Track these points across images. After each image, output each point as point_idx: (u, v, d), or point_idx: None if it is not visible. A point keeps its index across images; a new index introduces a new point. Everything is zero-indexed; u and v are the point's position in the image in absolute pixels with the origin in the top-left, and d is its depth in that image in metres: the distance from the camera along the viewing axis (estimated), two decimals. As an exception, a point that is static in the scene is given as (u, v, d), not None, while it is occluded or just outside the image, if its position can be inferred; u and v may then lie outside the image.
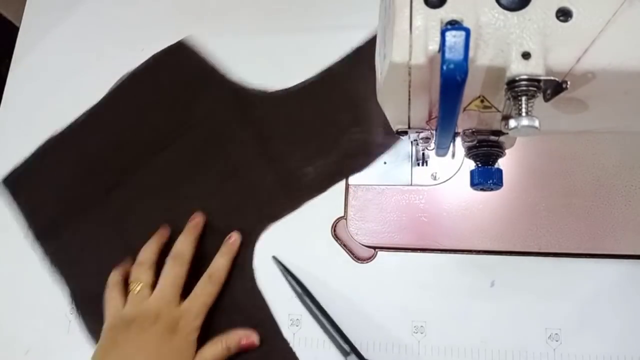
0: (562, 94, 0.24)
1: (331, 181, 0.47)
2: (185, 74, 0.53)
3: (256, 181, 0.48)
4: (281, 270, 0.45)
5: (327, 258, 0.45)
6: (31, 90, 0.57)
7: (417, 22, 0.25)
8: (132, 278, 0.44)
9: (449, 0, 0.25)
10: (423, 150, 0.45)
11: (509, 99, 0.25)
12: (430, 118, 0.30)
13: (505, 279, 0.43)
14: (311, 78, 0.50)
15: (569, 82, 0.24)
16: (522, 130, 0.25)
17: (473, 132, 0.31)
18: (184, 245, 0.44)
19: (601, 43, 0.24)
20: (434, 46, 0.24)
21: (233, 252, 0.45)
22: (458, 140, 0.32)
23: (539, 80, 0.24)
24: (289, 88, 0.50)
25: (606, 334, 0.40)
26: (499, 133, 0.31)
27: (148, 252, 0.45)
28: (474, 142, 0.32)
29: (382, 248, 0.45)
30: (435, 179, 0.45)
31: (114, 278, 0.45)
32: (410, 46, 0.25)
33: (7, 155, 0.54)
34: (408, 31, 0.25)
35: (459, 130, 0.31)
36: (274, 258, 0.45)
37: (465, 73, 0.21)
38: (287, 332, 0.43)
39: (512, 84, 0.25)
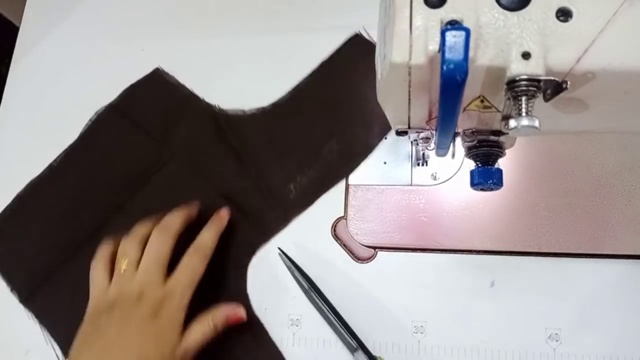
0: (562, 94, 0.24)
1: (317, 194, 0.47)
2: (161, 103, 0.52)
3: (243, 204, 0.47)
4: (287, 265, 0.45)
5: (327, 258, 0.45)
6: (31, 90, 0.57)
7: (417, 22, 0.25)
8: (119, 252, 0.42)
9: (449, 0, 0.25)
10: (423, 150, 0.45)
11: (509, 99, 0.25)
12: (430, 118, 0.30)
13: (505, 279, 0.43)
14: (283, 96, 0.50)
15: (569, 82, 0.24)
16: (522, 130, 0.25)
17: (473, 132, 0.31)
18: (173, 218, 0.43)
19: (601, 43, 0.24)
20: (434, 46, 0.24)
21: (221, 227, 0.44)
22: (458, 140, 0.32)
23: (539, 80, 0.24)
24: (265, 107, 0.50)
25: (606, 334, 0.40)
26: (499, 133, 0.31)
27: (142, 226, 0.43)
28: (474, 142, 0.32)
29: (382, 248, 0.45)
30: (435, 179, 0.45)
31: (102, 251, 0.43)
32: (410, 46, 0.25)
33: (7, 156, 0.54)
34: (408, 31, 0.25)
35: (459, 130, 0.31)
36: (280, 252, 0.45)
37: (465, 73, 0.21)
38: (287, 332, 0.43)
39: (512, 84, 0.25)
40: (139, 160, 0.51)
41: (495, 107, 0.28)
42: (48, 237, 0.49)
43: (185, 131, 0.51)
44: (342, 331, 0.41)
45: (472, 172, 0.33)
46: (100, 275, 0.41)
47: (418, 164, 0.46)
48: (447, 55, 0.21)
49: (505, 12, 0.25)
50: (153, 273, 0.40)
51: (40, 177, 0.52)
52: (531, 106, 0.25)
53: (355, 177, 0.47)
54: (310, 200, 0.47)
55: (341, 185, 0.47)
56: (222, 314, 0.40)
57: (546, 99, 0.25)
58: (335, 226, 0.46)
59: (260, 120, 0.50)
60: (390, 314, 0.43)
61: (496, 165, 0.33)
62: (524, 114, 0.25)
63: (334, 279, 0.44)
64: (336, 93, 0.50)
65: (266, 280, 0.45)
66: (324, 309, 0.42)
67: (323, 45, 0.51)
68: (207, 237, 0.43)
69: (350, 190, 0.46)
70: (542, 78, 0.24)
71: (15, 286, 0.48)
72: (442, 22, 0.24)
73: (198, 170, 0.49)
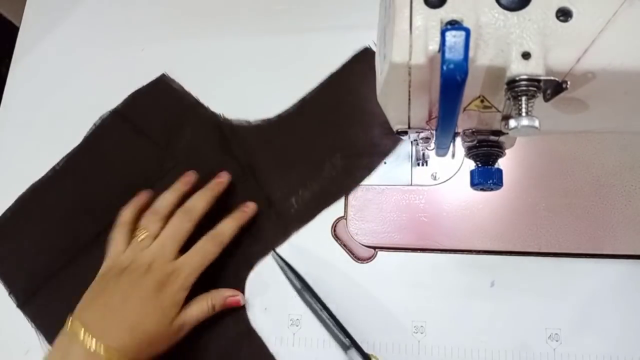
0: (562, 94, 0.24)
1: (318, 209, 0.46)
2: (166, 111, 0.52)
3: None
4: (280, 265, 0.45)
5: (327, 258, 0.45)
6: (31, 90, 0.57)
7: (417, 22, 0.25)
8: (141, 223, 0.43)
9: (449, 0, 0.25)
10: (423, 150, 0.45)
11: (509, 99, 0.25)
12: (430, 118, 0.30)
13: (505, 279, 0.43)
14: (289, 108, 0.50)
15: (569, 82, 0.24)
16: (522, 130, 0.25)
17: (473, 132, 0.31)
18: (198, 201, 0.44)
19: (601, 43, 0.24)
20: (434, 46, 0.24)
21: (244, 219, 0.45)
22: (458, 140, 0.32)
23: (539, 80, 0.24)
24: (270, 119, 0.50)
25: (606, 334, 0.40)
26: (499, 133, 0.31)
27: (165, 202, 0.44)
28: (474, 142, 0.32)
29: (382, 248, 0.45)
30: (435, 179, 0.45)
31: (125, 217, 0.44)
32: (410, 46, 0.25)
33: (6, 155, 0.54)
34: (408, 31, 0.25)
35: (459, 130, 0.31)
36: (274, 253, 0.45)
37: (465, 73, 0.21)
38: (287, 332, 0.43)
39: (512, 84, 0.25)
40: (142, 167, 0.50)
41: (495, 107, 0.28)
42: (48, 240, 0.49)
43: (189, 139, 0.51)
44: (335, 329, 0.41)
45: (472, 172, 0.33)
46: (120, 238, 0.43)
47: (418, 164, 0.46)
48: (447, 55, 0.21)
49: (505, 12, 0.25)
50: (167, 249, 0.41)
51: (42, 180, 0.52)
52: (531, 106, 0.25)
53: (355, 177, 0.47)
54: (311, 215, 0.46)
55: (341, 185, 0.47)
56: (222, 295, 0.43)
57: (546, 99, 0.25)
58: (335, 226, 0.46)
59: (265, 131, 0.50)
60: (390, 314, 0.43)
61: (496, 165, 0.33)
62: (524, 114, 0.25)
63: (334, 279, 0.44)
64: (342, 108, 0.49)
65: (266, 280, 0.45)
66: (317, 308, 0.42)
67: (325, 46, 0.51)
68: (227, 227, 0.44)
69: (350, 190, 0.46)
70: (542, 78, 0.24)
71: (13, 290, 0.48)
72: (442, 22, 0.24)
73: (200, 179, 0.48)
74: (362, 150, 0.47)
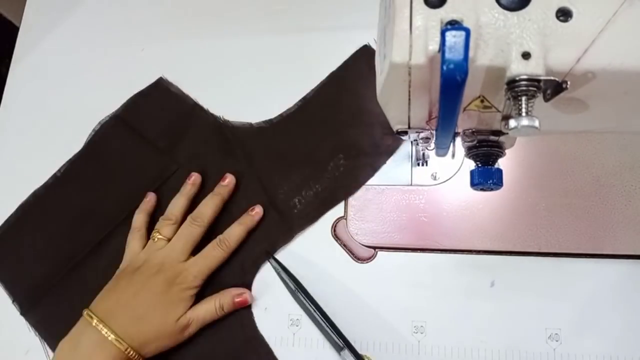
0: (562, 94, 0.24)
1: (322, 209, 0.46)
2: (166, 114, 0.52)
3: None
4: (275, 267, 0.45)
5: (327, 258, 0.45)
6: (31, 90, 0.57)
7: (417, 22, 0.25)
8: (156, 227, 0.46)
9: (449, 0, 0.25)
10: (423, 150, 0.45)
11: (509, 99, 0.25)
12: (430, 118, 0.30)
13: (505, 279, 0.43)
14: (290, 108, 0.50)
15: (569, 82, 0.24)
16: (522, 130, 0.25)
17: (473, 132, 0.31)
18: (207, 207, 0.46)
19: (601, 43, 0.24)
20: (434, 46, 0.24)
21: (252, 224, 0.46)
22: (458, 140, 0.32)
23: (539, 80, 0.24)
24: (272, 120, 0.50)
25: (606, 334, 0.40)
26: (499, 133, 0.31)
27: (177, 208, 0.46)
28: (474, 142, 0.32)
29: (382, 248, 0.45)
30: (435, 179, 0.45)
31: (137, 222, 0.47)
32: (410, 46, 0.25)
33: (6, 155, 0.55)
34: (408, 31, 0.25)
35: (459, 130, 0.31)
36: (268, 254, 0.45)
37: (465, 73, 0.21)
38: (287, 332, 0.43)
39: (512, 84, 0.25)
40: (144, 172, 0.50)
41: (495, 107, 0.28)
42: (51, 248, 0.49)
43: (191, 143, 0.51)
44: (329, 330, 0.41)
45: (472, 172, 0.33)
46: (135, 243, 0.46)
47: (418, 164, 0.46)
48: (447, 55, 0.21)
49: (505, 12, 0.25)
50: (177, 251, 0.44)
51: (43, 187, 0.51)
52: (531, 106, 0.25)
53: (355, 177, 0.47)
54: (315, 215, 0.46)
55: (341, 185, 0.47)
56: (229, 295, 0.44)
57: (546, 99, 0.25)
58: (335, 226, 0.46)
59: (267, 133, 0.50)
60: (390, 314, 0.43)
61: (496, 165, 0.33)
62: (524, 114, 0.25)
63: (334, 279, 0.44)
64: (344, 107, 0.49)
65: (266, 280, 0.45)
66: (311, 309, 0.42)
67: (326, 47, 0.51)
68: (235, 232, 0.45)
69: (350, 190, 0.46)
70: (542, 78, 0.24)
71: (16, 298, 0.48)
72: (442, 22, 0.24)
73: (203, 184, 0.48)
74: (366, 149, 0.47)
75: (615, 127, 0.33)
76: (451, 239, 0.44)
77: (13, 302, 0.48)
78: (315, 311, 0.42)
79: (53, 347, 0.45)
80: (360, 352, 0.41)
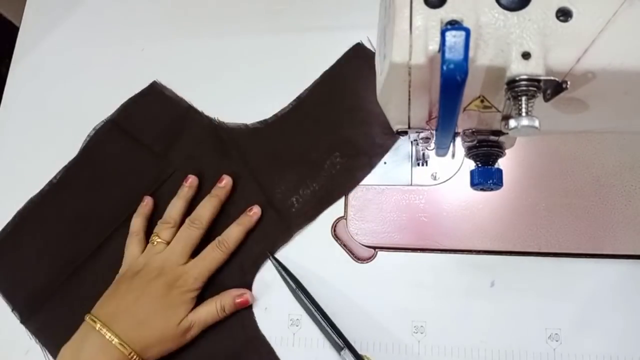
0: (562, 94, 0.24)
1: (319, 208, 0.46)
2: (160, 118, 0.52)
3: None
4: (275, 266, 0.45)
5: (327, 258, 0.45)
6: (31, 90, 0.57)
7: (417, 22, 0.25)
8: (155, 231, 0.46)
9: (449, 0, 0.25)
10: (423, 150, 0.45)
11: (509, 99, 0.25)
12: (430, 118, 0.30)
13: (505, 279, 0.43)
14: (285, 108, 0.50)
15: (569, 82, 0.24)
16: (522, 130, 0.25)
17: (473, 132, 0.31)
18: (205, 210, 0.46)
19: (601, 43, 0.24)
20: (434, 46, 0.24)
21: (250, 224, 0.46)
22: (458, 140, 0.32)
23: (539, 80, 0.24)
24: (267, 120, 0.50)
25: (606, 334, 0.40)
26: (499, 133, 0.31)
27: (175, 211, 0.46)
28: (474, 142, 0.32)
29: (382, 248, 0.45)
30: (435, 179, 0.45)
31: (135, 226, 0.47)
32: (410, 46, 0.25)
33: (6, 155, 0.55)
34: (408, 31, 0.25)
35: (459, 130, 0.31)
36: (268, 254, 0.45)
37: (465, 73, 0.21)
38: (287, 332, 0.43)
39: (512, 84, 0.25)
40: (140, 177, 0.50)
41: (495, 107, 0.28)
42: (49, 255, 0.49)
43: (186, 146, 0.51)
44: (329, 330, 0.41)
45: (472, 172, 0.33)
46: (133, 247, 0.46)
47: (418, 164, 0.46)
48: (447, 55, 0.21)
49: (505, 12, 0.25)
50: (177, 254, 0.44)
51: (39, 194, 0.51)
52: (531, 106, 0.25)
53: (355, 177, 0.46)
54: (313, 214, 0.46)
55: (341, 185, 0.47)
56: (230, 296, 0.43)
57: (546, 99, 0.25)
58: (335, 226, 0.46)
59: (262, 133, 0.50)
60: (390, 314, 0.43)
61: (496, 165, 0.33)
62: (524, 114, 0.25)
63: (334, 279, 0.44)
64: (339, 105, 0.49)
65: (267, 280, 0.45)
66: (312, 309, 0.42)
67: (324, 46, 0.51)
68: (234, 233, 0.45)
69: (350, 190, 0.46)
70: (542, 78, 0.24)
71: (16, 306, 0.48)
72: (442, 22, 0.24)
73: (200, 186, 0.48)
74: (362, 146, 0.47)
75: (615, 127, 0.33)
76: (451, 239, 0.44)
77: (12, 310, 0.48)
78: (315, 311, 0.42)
79: (54, 354, 0.45)
80: (360, 352, 0.41)
